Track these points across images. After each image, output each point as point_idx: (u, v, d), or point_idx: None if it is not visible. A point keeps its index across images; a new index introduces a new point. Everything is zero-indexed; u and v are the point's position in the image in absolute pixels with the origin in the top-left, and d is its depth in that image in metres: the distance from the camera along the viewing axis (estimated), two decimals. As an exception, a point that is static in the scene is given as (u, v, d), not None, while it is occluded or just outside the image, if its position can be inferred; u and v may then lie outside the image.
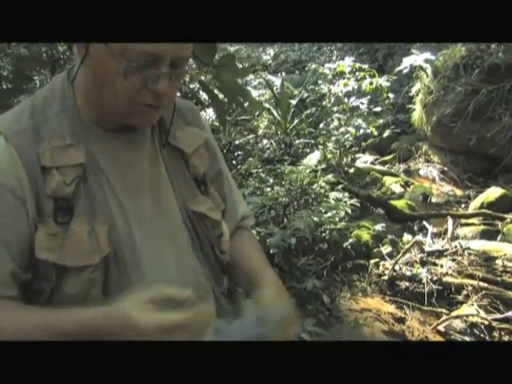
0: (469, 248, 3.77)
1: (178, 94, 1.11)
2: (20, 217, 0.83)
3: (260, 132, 6.30)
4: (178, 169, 1.00)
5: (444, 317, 3.09)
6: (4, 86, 2.05)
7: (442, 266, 3.55)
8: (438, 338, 2.93)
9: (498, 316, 3.02)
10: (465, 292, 3.28)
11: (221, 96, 1.80)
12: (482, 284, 3.29)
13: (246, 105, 1.74)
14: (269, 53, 11.63)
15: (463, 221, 4.47)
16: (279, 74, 9.09)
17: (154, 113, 0.90)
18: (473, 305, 3.13)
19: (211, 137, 1.12)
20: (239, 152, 5.57)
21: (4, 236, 0.83)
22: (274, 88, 6.62)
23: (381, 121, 6.28)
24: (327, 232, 3.54)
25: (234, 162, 5.34)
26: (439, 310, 3.20)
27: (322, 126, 6.01)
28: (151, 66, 0.81)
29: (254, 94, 6.77)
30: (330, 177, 4.31)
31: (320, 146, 5.56)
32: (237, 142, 5.68)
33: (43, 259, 0.83)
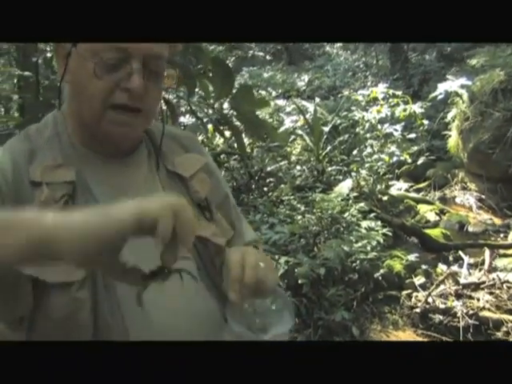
0: (508, 281, 3.63)
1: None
2: None
3: (293, 158, 6.30)
4: (179, 194, 0.95)
5: (480, 354, 2.96)
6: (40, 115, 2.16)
7: (478, 300, 3.42)
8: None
9: (539, 355, 2.87)
10: (504, 328, 3.14)
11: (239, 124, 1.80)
12: (522, 320, 3.15)
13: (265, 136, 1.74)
14: (303, 79, 11.70)
15: (502, 251, 4.30)
16: (313, 100, 9.10)
17: (131, 122, 0.88)
18: (512, 342, 3.00)
19: (212, 162, 1.11)
20: (271, 179, 5.58)
21: None
22: (308, 114, 6.63)
23: (415, 147, 6.20)
24: (358, 262, 3.48)
25: (266, 188, 5.35)
26: (475, 346, 3.07)
27: (355, 152, 5.98)
28: (123, 62, 0.83)
29: (287, 120, 6.80)
30: (362, 205, 4.25)
31: (353, 173, 5.51)
32: (269, 169, 5.70)
33: (21, 272, 0.74)
